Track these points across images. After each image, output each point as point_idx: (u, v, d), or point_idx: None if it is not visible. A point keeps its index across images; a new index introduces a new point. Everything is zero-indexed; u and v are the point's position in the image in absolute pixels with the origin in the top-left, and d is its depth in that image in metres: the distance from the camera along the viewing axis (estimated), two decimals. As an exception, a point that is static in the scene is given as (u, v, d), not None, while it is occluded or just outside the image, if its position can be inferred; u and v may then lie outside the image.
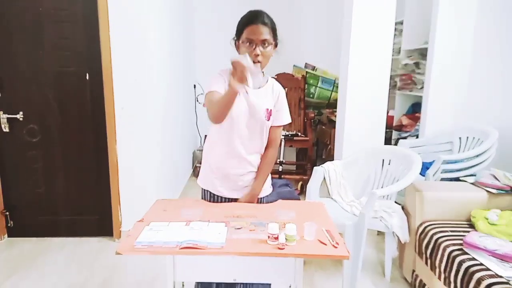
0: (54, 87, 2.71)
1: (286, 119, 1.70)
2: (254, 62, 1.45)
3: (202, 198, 1.80)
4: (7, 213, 2.84)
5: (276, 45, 1.57)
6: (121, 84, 2.71)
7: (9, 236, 2.88)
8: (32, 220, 2.89)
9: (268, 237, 1.32)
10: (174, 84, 3.64)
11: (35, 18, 2.61)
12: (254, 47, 1.49)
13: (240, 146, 1.64)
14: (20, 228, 2.88)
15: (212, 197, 1.75)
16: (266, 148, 1.71)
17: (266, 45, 1.51)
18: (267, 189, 1.80)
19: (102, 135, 2.77)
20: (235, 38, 1.57)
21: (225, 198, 1.73)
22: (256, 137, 1.66)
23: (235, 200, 1.72)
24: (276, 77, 4.52)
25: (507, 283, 1.55)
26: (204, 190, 1.78)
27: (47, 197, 2.86)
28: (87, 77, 2.70)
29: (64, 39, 2.66)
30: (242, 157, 1.66)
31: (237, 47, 1.58)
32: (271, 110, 1.63)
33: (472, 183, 2.33)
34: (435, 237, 2.02)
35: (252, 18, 1.50)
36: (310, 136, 4.10)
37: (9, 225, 2.87)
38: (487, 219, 2.03)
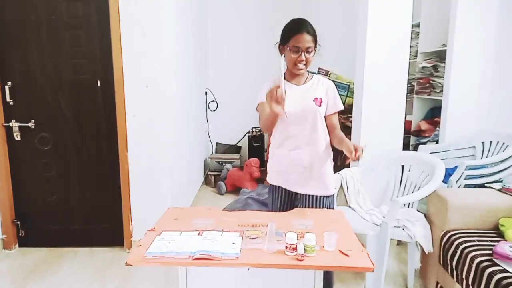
0: (67, 95, 2.69)
1: (339, 105, 1.84)
2: (299, 68, 1.74)
3: (270, 193, 1.93)
4: (18, 222, 2.82)
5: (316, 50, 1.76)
6: (132, 92, 2.67)
7: (20, 245, 2.85)
8: (44, 229, 2.85)
9: (286, 247, 1.25)
10: (186, 91, 3.60)
11: (49, 25, 2.60)
12: (300, 54, 1.71)
13: (296, 139, 1.81)
14: (32, 237, 2.85)
15: (281, 192, 1.90)
16: (331, 134, 1.86)
17: (310, 51, 1.73)
18: (331, 188, 1.90)
19: (114, 143, 2.73)
20: (279, 43, 1.78)
21: (295, 193, 1.87)
22: (309, 129, 1.79)
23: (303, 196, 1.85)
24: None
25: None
26: (274, 186, 1.92)
27: (59, 206, 2.82)
28: (98, 85, 2.67)
29: (78, 47, 2.64)
30: (302, 150, 1.82)
31: (281, 51, 1.79)
32: (321, 98, 1.80)
33: (498, 190, 2.22)
34: (461, 247, 1.91)
35: (299, 28, 1.71)
36: (324, 142, 3.99)
37: (20, 234, 2.84)
38: (517, 228, 1.92)
